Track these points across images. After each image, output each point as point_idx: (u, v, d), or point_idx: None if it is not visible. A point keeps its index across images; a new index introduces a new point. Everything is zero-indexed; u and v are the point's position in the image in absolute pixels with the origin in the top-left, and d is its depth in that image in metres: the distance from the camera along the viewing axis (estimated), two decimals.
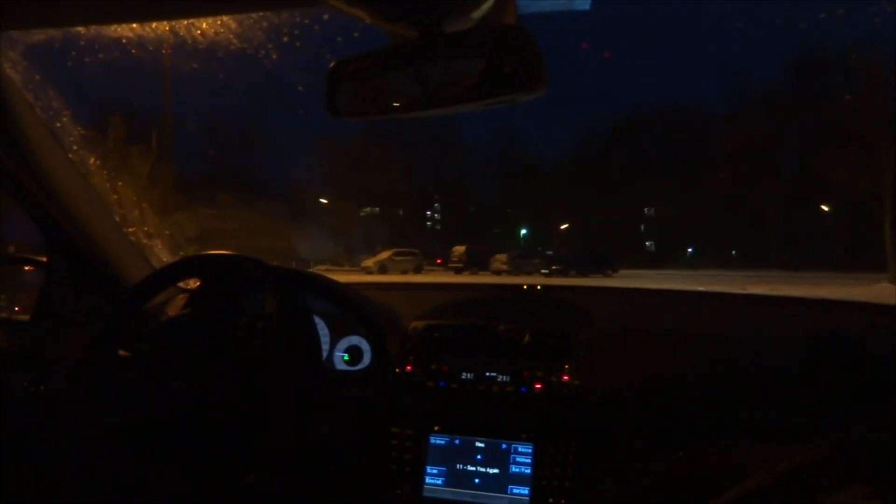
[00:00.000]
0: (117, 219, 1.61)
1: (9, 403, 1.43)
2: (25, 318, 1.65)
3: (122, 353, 1.24)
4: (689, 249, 33.22)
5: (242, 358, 1.19)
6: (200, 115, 35.17)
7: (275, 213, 27.06)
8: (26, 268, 1.79)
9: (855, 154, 20.77)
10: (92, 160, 1.61)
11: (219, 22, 1.61)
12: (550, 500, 1.22)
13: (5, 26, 1.16)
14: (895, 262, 17.78)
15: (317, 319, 1.42)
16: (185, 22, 1.59)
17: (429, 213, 40.47)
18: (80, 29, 1.53)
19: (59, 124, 1.51)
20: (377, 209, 36.53)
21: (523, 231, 37.11)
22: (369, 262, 25.43)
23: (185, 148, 32.23)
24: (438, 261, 27.86)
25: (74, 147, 1.54)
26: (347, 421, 1.37)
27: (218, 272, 1.33)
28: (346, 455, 1.37)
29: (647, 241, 36.44)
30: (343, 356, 1.46)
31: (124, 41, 1.66)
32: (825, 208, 28.61)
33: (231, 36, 1.69)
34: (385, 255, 26.36)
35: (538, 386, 1.28)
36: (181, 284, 1.54)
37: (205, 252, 1.29)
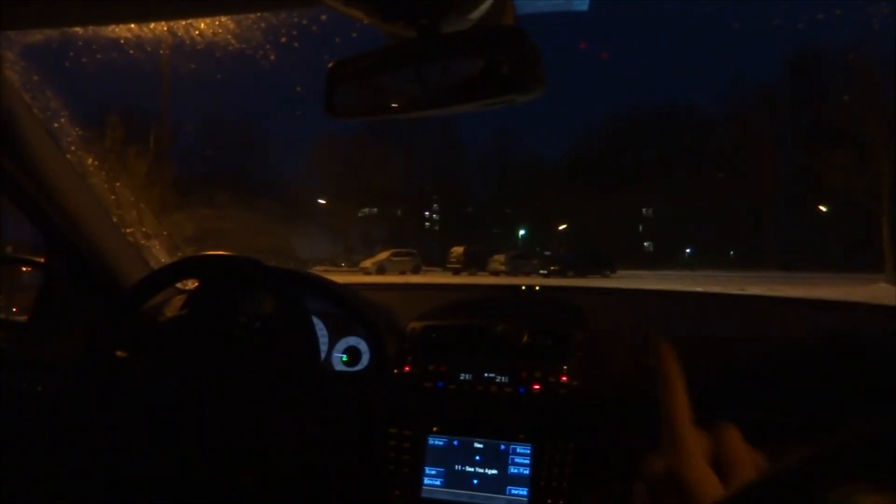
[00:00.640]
0: (115, 219, 1.61)
1: (7, 404, 1.43)
2: (23, 318, 1.65)
3: (120, 353, 1.24)
4: (688, 250, 33.27)
5: (241, 359, 1.19)
6: (199, 115, 35.16)
7: (273, 214, 27.05)
8: (24, 268, 1.79)
9: (852, 155, 20.84)
10: (90, 160, 1.61)
11: (217, 22, 1.61)
12: (549, 501, 1.22)
13: (3, 26, 1.15)
14: (893, 263, 17.83)
15: (315, 320, 1.42)
16: (184, 22, 1.59)
17: (427, 213, 40.49)
18: (78, 29, 1.53)
19: (56, 125, 1.51)
20: (375, 209, 36.54)
21: (522, 231, 37.15)
22: (367, 263, 25.44)
23: (183, 148, 32.09)
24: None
25: (72, 147, 1.54)
26: (346, 421, 1.37)
27: (216, 273, 1.33)
28: (344, 456, 1.37)
29: (646, 241, 36.50)
30: (341, 357, 1.46)
31: (122, 41, 1.66)
32: (823, 209, 28.67)
33: (229, 36, 1.69)
34: (383, 255, 26.38)
35: (536, 386, 1.28)
36: (179, 285, 1.54)
37: (203, 252, 1.29)
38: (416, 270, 25.18)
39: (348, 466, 1.36)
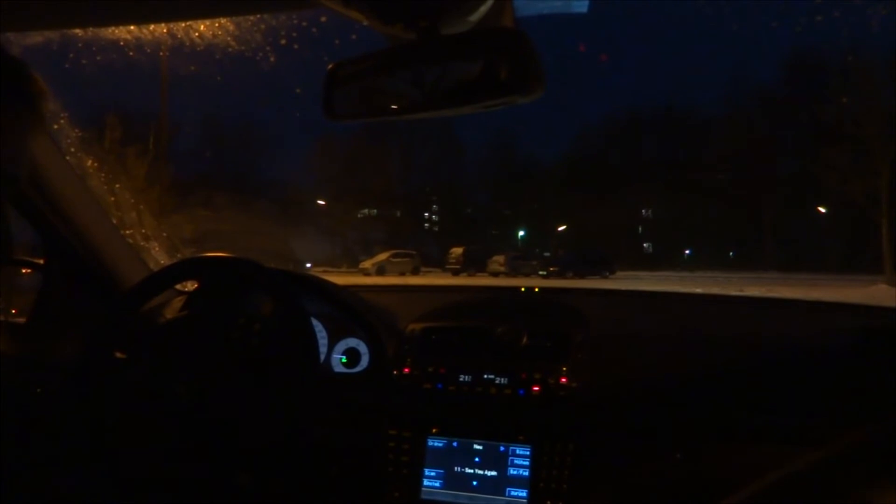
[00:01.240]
0: (115, 221, 1.61)
1: (7, 405, 1.43)
2: (23, 320, 1.65)
3: (119, 355, 1.24)
4: (687, 251, 33.28)
5: (240, 360, 1.19)
6: (198, 116, 35.20)
7: (272, 215, 27.07)
8: (23, 270, 1.78)
9: (851, 156, 20.85)
10: (89, 162, 1.61)
11: (216, 24, 1.60)
12: (548, 502, 1.21)
13: (2, 28, 1.15)
14: (892, 264, 17.84)
15: (314, 322, 1.42)
16: (183, 24, 1.59)
17: (426, 214, 40.48)
18: (78, 31, 1.53)
19: (56, 126, 1.51)
20: (374, 211, 36.54)
21: (521, 232, 37.15)
22: (367, 264, 25.45)
23: (182, 150, 32.18)
24: None
25: (72, 149, 1.54)
26: (345, 423, 1.37)
27: (215, 274, 1.33)
28: (343, 457, 1.37)
29: (645, 242, 36.50)
30: (341, 358, 1.46)
31: (122, 43, 1.66)
32: (822, 210, 28.70)
33: (229, 38, 1.68)
34: (383, 256, 26.39)
35: (536, 388, 1.28)
36: (178, 287, 1.54)
37: (202, 254, 1.29)
38: (415, 271, 25.19)
39: (348, 468, 1.36)
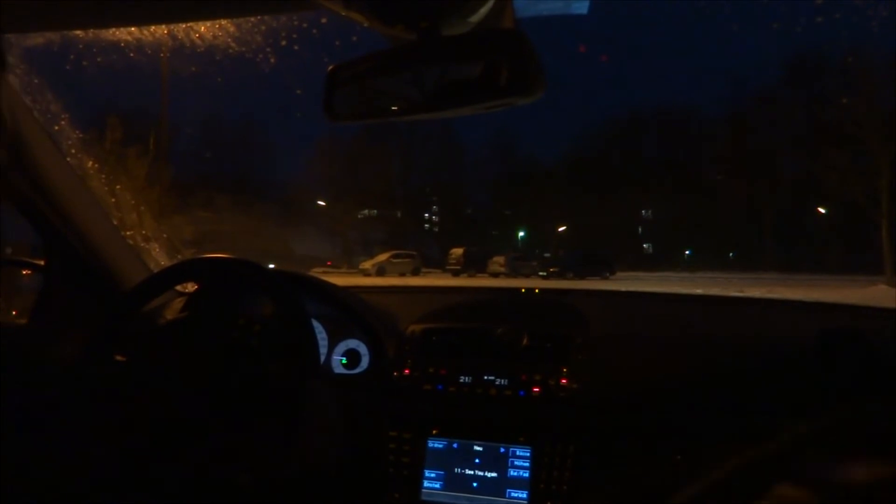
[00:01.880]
0: (115, 222, 1.61)
1: (7, 406, 1.43)
2: (23, 321, 1.65)
3: (119, 356, 1.24)
4: (687, 251, 33.28)
5: (240, 361, 1.19)
6: (198, 118, 35.15)
7: (272, 216, 27.08)
8: (24, 271, 1.79)
9: (851, 156, 20.86)
10: (90, 163, 1.61)
11: (217, 25, 1.60)
12: None
13: (4, 29, 1.15)
14: (892, 265, 17.84)
15: (315, 323, 1.42)
16: (184, 25, 1.59)
17: (427, 215, 40.49)
18: (79, 32, 1.53)
19: (57, 127, 1.51)
20: (375, 211, 36.55)
21: (521, 233, 37.16)
22: (367, 265, 25.45)
23: (182, 151, 32.13)
24: None
25: (72, 150, 1.54)
26: (345, 424, 1.37)
27: (215, 275, 1.33)
28: (343, 458, 1.36)
29: (645, 243, 36.52)
30: (341, 360, 1.46)
31: (122, 44, 1.66)
32: (822, 211, 28.71)
33: (229, 39, 1.68)
34: (383, 257, 26.39)
35: (536, 389, 1.28)
36: (178, 288, 1.54)
37: (202, 255, 1.29)
38: (416, 272, 25.19)
39: (348, 469, 1.36)
